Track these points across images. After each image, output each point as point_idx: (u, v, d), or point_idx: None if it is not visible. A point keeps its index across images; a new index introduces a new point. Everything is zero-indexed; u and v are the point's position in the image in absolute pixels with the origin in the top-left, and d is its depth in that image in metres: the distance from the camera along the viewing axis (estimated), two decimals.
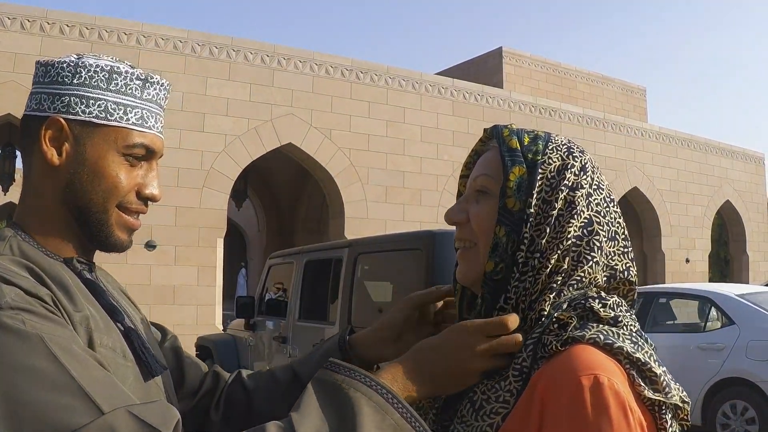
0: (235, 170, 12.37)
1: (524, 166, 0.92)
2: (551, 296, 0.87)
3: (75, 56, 0.96)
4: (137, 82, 0.96)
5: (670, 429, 0.83)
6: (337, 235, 13.26)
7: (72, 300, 0.87)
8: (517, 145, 0.93)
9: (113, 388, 0.77)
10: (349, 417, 0.77)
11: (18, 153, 12.83)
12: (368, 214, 13.67)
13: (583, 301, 0.87)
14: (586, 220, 0.90)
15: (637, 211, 19.31)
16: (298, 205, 18.97)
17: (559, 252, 0.88)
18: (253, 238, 24.13)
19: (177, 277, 11.61)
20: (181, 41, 11.90)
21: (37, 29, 10.70)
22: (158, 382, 0.97)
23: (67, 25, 10.91)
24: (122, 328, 0.94)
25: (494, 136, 0.98)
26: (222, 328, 11.39)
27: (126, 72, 0.96)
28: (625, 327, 0.86)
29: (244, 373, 1.19)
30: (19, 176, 13.33)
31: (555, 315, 0.86)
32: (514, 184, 0.91)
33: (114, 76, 0.94)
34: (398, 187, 14.13)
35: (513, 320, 0.87)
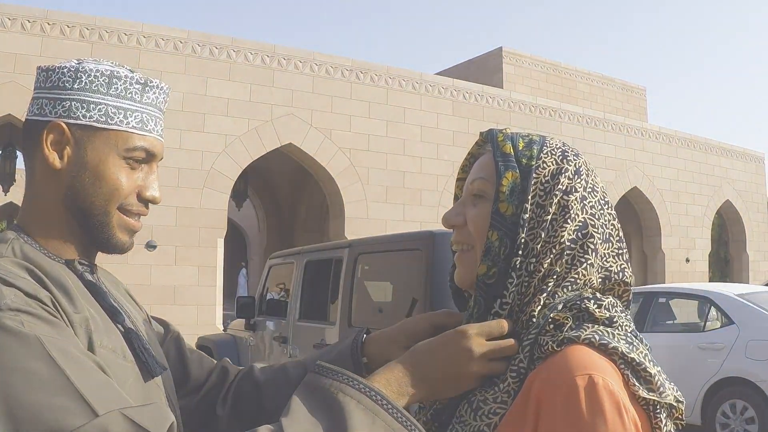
0: (235, 170, 12.39)
1: (517, 171, 0.93)
2: (542, 299, 0.88)
3: (75, 61, 0.97)
4: (137, 86, 0.97)
5: (665, 428, 0.84)
6: (337, 235, 13.27)
7: (72, 302, 0.87)
8: (511, 150, 0.94)
9: (109, 391, 0.77)
10: (339, 421, 0.78)
11: (19, 154, 12.85)
12: (368, 214, 13.68)
13: (578, 302, 0.88)
14: (580, 224, 0.91)
15: (637, 210, 19.31)
16: (298, 205, 18.98)
17: (552, 256, 0.89)
18: (254, 238, 24.14)
19: (177, 278, 11.63)
20: (181, 42, 11.91)
21: (38, 30, 10.71)
22: (158, 382, 0.98)
23: (68, 26, 10.92)
24: (122, 330, 0.95)
25: (489, 140, 0.99)
26: (222, 328, 11.40)
27: (126, 76, 0.97)
28: (620, 327, 0.87)
29: (257, 367, 1.19)
30: (19, 177, 13.34)
31: (551, 315, 0.86)
32: (507, 189, 0.92)
33: (114, 80, 0.96)
34: (398, 187, 14.14)
35: (507, 325, 0.89)
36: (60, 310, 0.84)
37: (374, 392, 0.81)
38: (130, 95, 0.96)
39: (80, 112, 0.94)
